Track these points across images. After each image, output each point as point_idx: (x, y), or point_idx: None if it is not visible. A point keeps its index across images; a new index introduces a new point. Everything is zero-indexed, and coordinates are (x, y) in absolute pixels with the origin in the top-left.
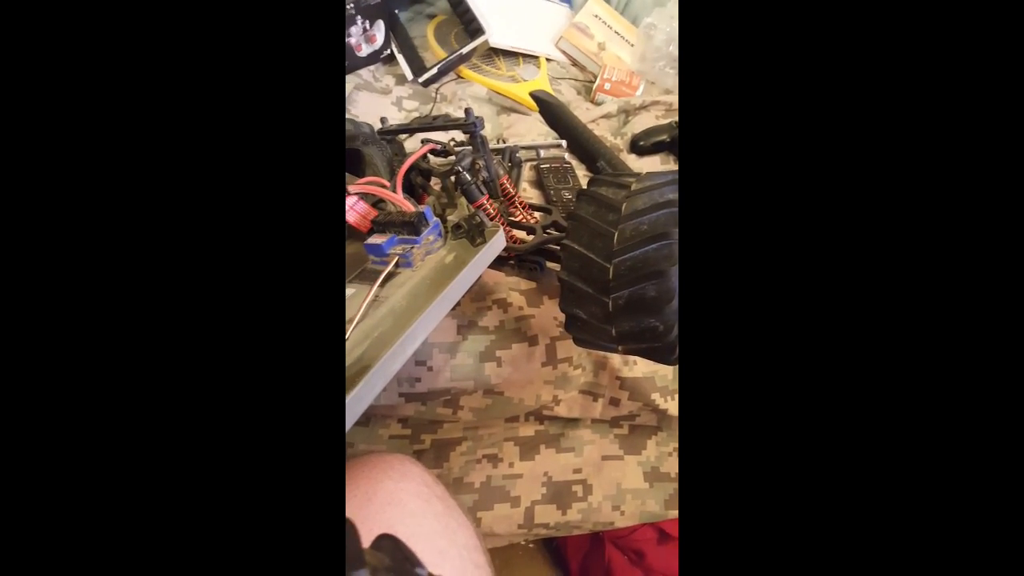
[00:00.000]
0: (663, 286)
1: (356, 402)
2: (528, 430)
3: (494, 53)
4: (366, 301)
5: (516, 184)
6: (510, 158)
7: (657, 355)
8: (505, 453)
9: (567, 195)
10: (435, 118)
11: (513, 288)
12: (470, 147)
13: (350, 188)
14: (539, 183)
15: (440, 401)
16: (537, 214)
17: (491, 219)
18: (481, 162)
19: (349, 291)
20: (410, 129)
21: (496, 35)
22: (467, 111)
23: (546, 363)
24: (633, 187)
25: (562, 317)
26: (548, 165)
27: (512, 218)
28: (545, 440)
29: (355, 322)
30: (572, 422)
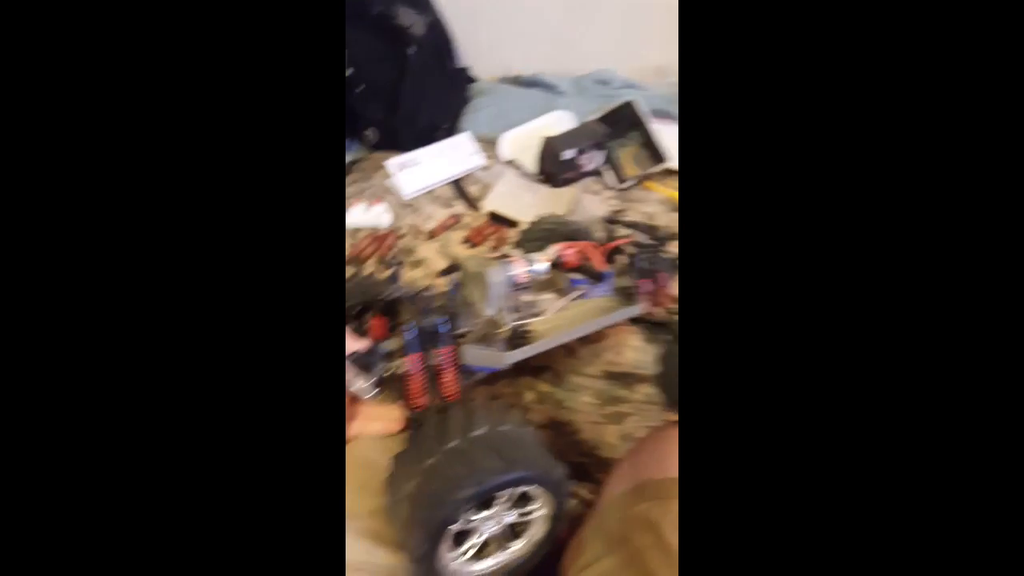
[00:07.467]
0: None
1: (521, 354)
2: None
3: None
4: (560, 305)
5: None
6: None
7: None
8: None
9: None
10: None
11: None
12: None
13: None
14: None
15: None
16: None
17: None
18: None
19: (549, 296)
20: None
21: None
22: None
23: None
24: None
25: None
26: None
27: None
28: None
29: (550, 313)
30: None
